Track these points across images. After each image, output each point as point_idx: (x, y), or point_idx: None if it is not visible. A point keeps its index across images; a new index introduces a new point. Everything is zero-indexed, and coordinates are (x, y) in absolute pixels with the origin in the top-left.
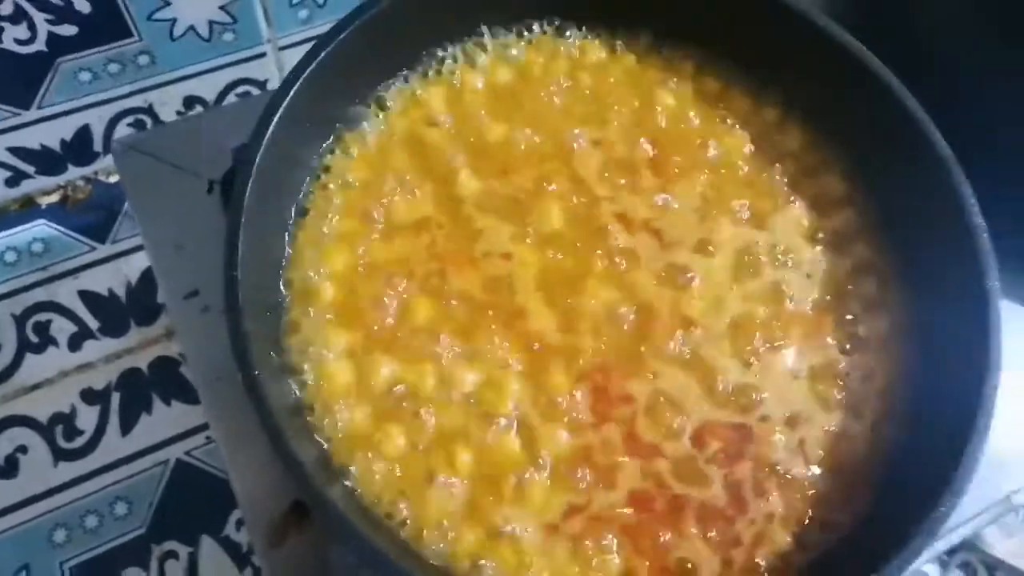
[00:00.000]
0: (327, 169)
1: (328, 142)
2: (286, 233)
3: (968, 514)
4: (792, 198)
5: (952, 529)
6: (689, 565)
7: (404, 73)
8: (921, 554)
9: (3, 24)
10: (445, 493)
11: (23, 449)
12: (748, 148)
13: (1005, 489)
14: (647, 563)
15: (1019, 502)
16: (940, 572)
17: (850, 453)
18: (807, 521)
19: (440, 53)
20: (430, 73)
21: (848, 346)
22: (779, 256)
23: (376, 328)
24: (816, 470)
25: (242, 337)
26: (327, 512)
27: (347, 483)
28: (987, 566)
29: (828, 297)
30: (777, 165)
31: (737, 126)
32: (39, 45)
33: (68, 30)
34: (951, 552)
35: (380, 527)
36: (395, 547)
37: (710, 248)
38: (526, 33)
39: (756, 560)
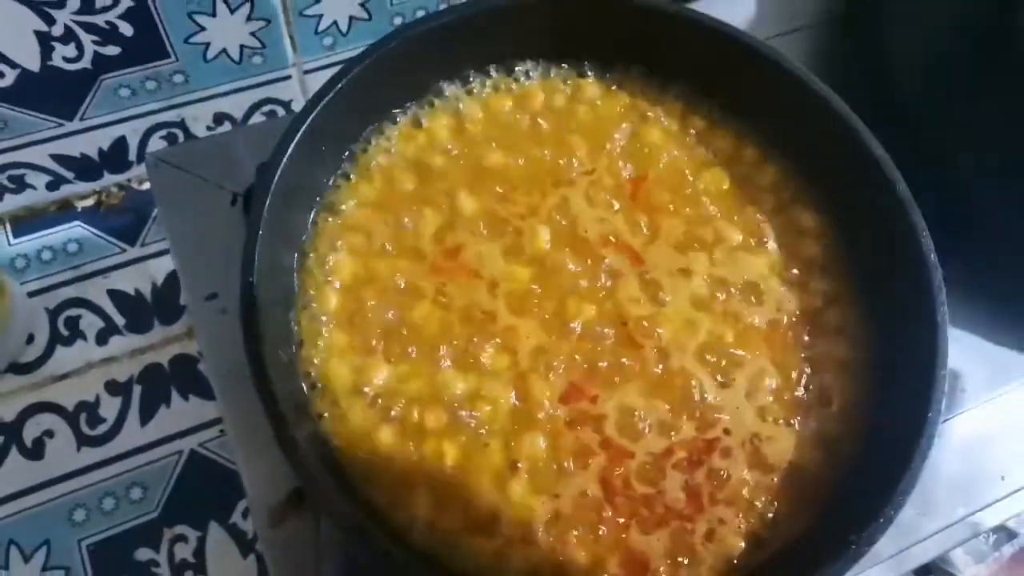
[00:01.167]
0: (339, 188)
1: (342, 164)
2: (299, 245)
3: (927, 532)
4: (765, 232)
5: (912, 546)
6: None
7: (413, 103)
8: (860, 559)
9: (54, 44)
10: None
11: (49, 434)
12: (727, 184)
13: (962, 511)
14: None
15: (987, 526)
16: None
17: (804, 468)
18: (758, 529)
19: (447, 85)
20: (437, 103)
21: (808, 369)
22: (750, 284)
23: (377, 334)
24: (770, 481)
25: (254, 338)
26: (320, 496)
27: (345, 473)
28: None
29: (792, 323)
30: (754, 200)
31: (718, 163)
32: (85, 63)
33: (112, 50)
34: (920, 573)
35: (377, 517)
36: (390, 535)
37: (687, 272)
38: (526, 69)
39: (707, 559)
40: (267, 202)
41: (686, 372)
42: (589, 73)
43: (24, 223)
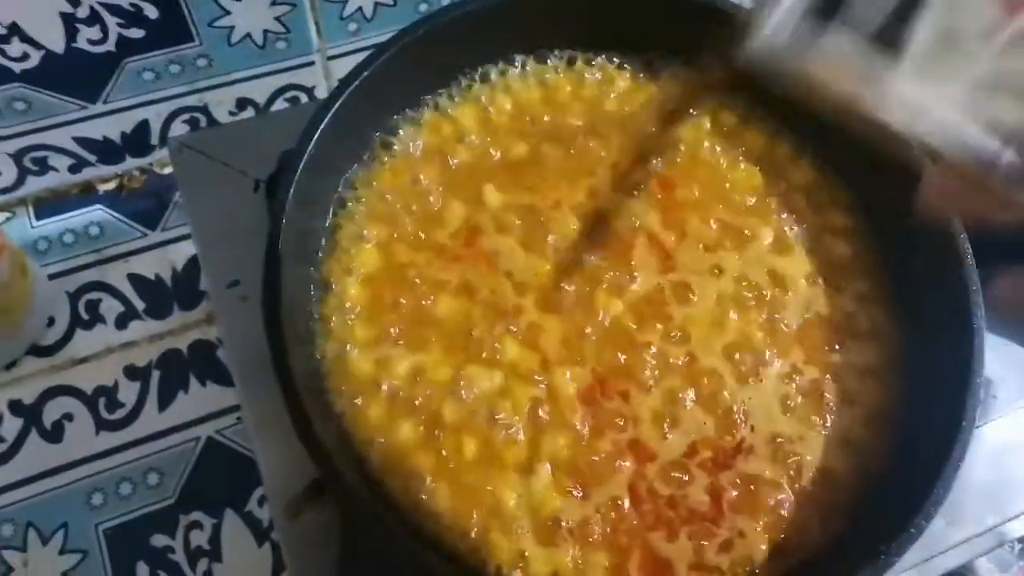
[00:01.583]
0: (363, 177)
1: (366, 152)
2: (323, 234)
3: (954, 541)
4: (796, 231)
5: (938, 554)
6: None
7: (438, 92)
8: (888, 570)
9: (79, 26)
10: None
11: (69, 417)
12: (758, 181)
13: (991, 521)
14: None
15: (1013, 535)
16: None
17: (831, 474)
18: (783, 535)
19: (473, 74)
20: (462, 93)
21: (837, 374)
22: (780, 285)
23: (399, 326)
24: (797, 487)
25: (276, 326)
26: (340, 488)
27: (364, 465)
28: None
29: (822, 325)
30: (785, 199)
31: (750, 160)
32: (109, 46)
33: (136, 33)
34: None
35: (395, 509)
36: (407, 526)
37: (717, 271)
38: (554, 60)
39: (725, 567)
40: (292, 189)
41: (715, 371)
42: (620, 64)
43: (47, 206)
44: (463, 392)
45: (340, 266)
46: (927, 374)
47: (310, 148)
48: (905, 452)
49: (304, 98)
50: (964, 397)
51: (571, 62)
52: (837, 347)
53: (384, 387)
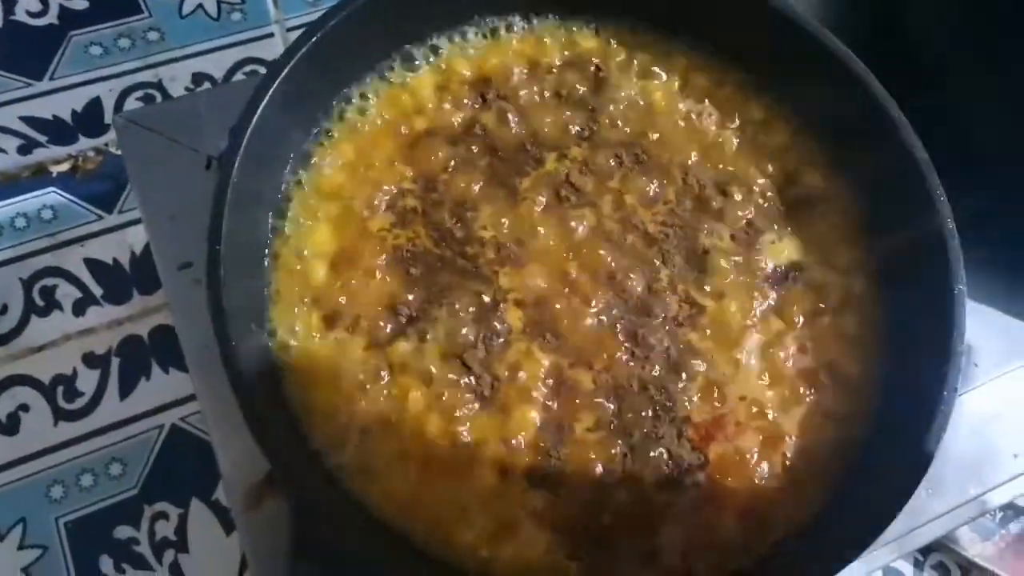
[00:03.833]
0: (317, 150)
1: (320, 123)
2: (273, 211)
3: (936, 512)
4: (772, 197)
5: (921, 526)
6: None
7: (394, 59)
8: (868, 547)
9: None
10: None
11: (25, 408)
12: (733, 145)
13: (973, 491)
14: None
15: (994, 504)
16: (914, 571)
17: (815, 449)
18: (762, 508)
19: (431, 40)
20: (420, 59)
21: (817, 344)
22: (757, 252)
23: (351, 307)
24: (781, 463)
25: (221, 310)
26: (288, 476)
27: (315, 451)
28: (961, 568)
29: (803, 293)
30: (762, 161)
31: (724, 123)
32: (51, 18)
33: (79, 4)
34: (926, 552)
35: (347, 498)
36: (359, 514)
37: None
38: (514, 25)
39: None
40: (236, 165)
41: (694, 345)
42: (578, 26)
43: None
44: (428, 375)
45: (293, 244)
46: (908, 343)
47: (255, 120)
48: (887, 425)
49: (264, 72)
50: (945, 367)
51: (529, 24)
52: (817, 315)
53: (341, 370)
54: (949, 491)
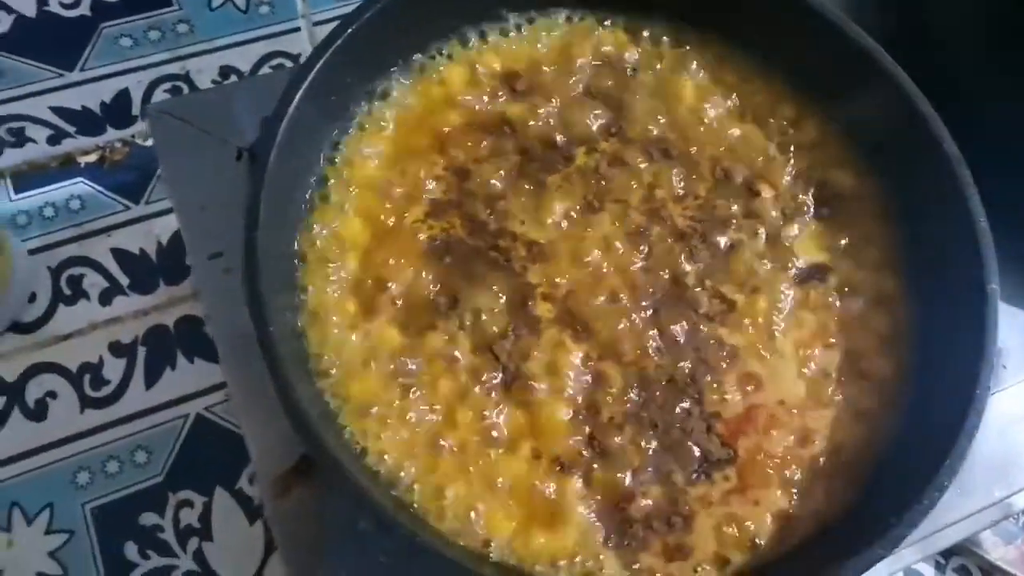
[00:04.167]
0: (349, 142)
1: (351, 117)
2: (307, 201)
3: (961, 514)
4: (802, 193)
5: (946, 527)
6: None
7: (427, 51)
8: (899, 544)
9: None
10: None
11: (52, 395)
12: (763, 143)
13: (998, 493)
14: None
15: (1018, 507)
16: (935, 574)
17: (844, 446)
18: (791, 506)
19: (462, 33)
20: (453, 52)
21: (851, 343)
22: (787, 251)
23: (387, 298)
24: (806, 457)
25: (258, 296)
26: (325, 460)
27: (349, 440)
28: (983, 572)
29: (832, 290)
30: (791, 160)
31: (754, 120)
32: (83, 10)
33: None
34: (947, 554)
35: (379, 485)
36: (391, 502)
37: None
38: (544, 19)
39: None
40: (271, 156)
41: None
42: (609, 22)
43: (26, 179)
44: (457, 364)
45: (326, 234)
46: (940, 343)
47: (290, 111)
48: (918, 424)
49: (290, 66)
50: (978, 367)
51: (567, 20)
52: (847, 313)
53: (374, 361)
54: (974, 493)
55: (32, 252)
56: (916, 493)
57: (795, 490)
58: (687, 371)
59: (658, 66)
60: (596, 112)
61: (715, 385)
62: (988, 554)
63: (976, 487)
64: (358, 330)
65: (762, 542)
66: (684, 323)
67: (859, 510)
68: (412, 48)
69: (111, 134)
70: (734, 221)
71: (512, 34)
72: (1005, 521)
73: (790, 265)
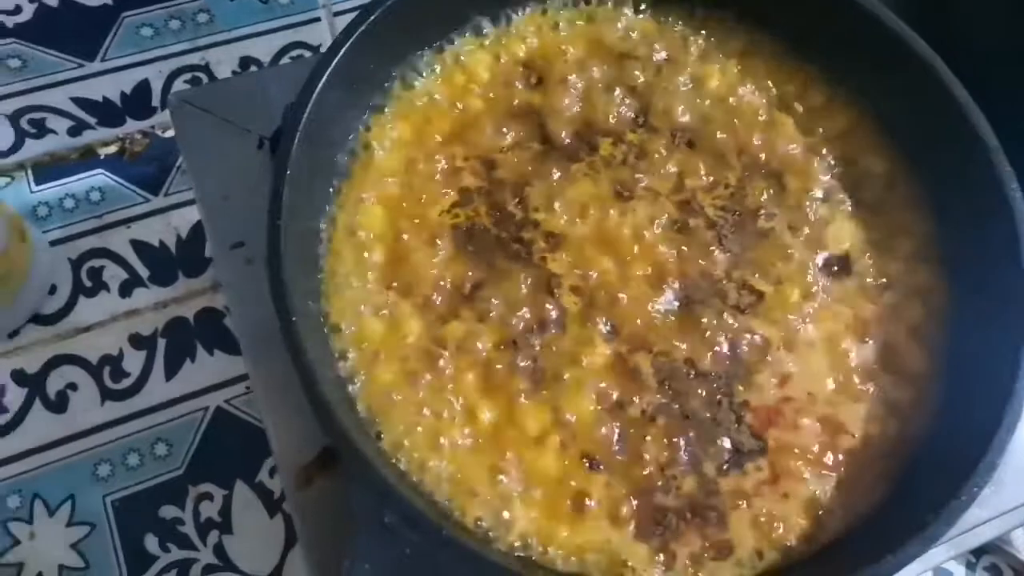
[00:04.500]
0: (372, 129)
1: (373, 105)
2: (330, 189)
3: (996, 511)
4: (837, 185)
5: (978, 525)
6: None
7: (451, 39)
8: (936, 541)
9: None
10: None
11: (73, 387)
12: (792, 131)
13: None
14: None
15: None
16: (966, 573)
17: (877, 441)
18: (826, 504)
19: (486, 20)
20: (475, 40)
21: (883, 335)
22: (821, 241)
23: (411, 285)
24: (842, 452)
25: (281, 283)
26: (351, 453)
27: (374, 432)
28: (1014, 571)
29: (868, 283)
30: (823, 150)
31: (783, 108)
32: None
33: None
34: (978, 553)
35: (404, 477)
36: (416, 495)
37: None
38: (570, 6)
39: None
40: (295, 143)
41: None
42: (640, 8)
43: (46, 170)
44: (481, 355)
45: (349, 223)
46: (976, 335)
47: (314, 98)
48: (952, 417)
49: (309, 56)
50: (1018, 358)
51: (589, 8)
52: (883, 305)
53: (398, 351)
54: (1008, 491)
55: (53, 244)
56: (953, 489)
57: (827, 485)
58: (717, 362)
59: (685, 54)
60: (622, 101)
61: (745, 376)
62: (1020, 553)
63: (1009, 485)
64: (382, 320)
65: (793, 538)
66: (713, 314)
67: (893, 507)
68: (435, 35)
69: (131, 125)
70: (763, 211)
71: (537, 22)
72: None
73: (821, 255)
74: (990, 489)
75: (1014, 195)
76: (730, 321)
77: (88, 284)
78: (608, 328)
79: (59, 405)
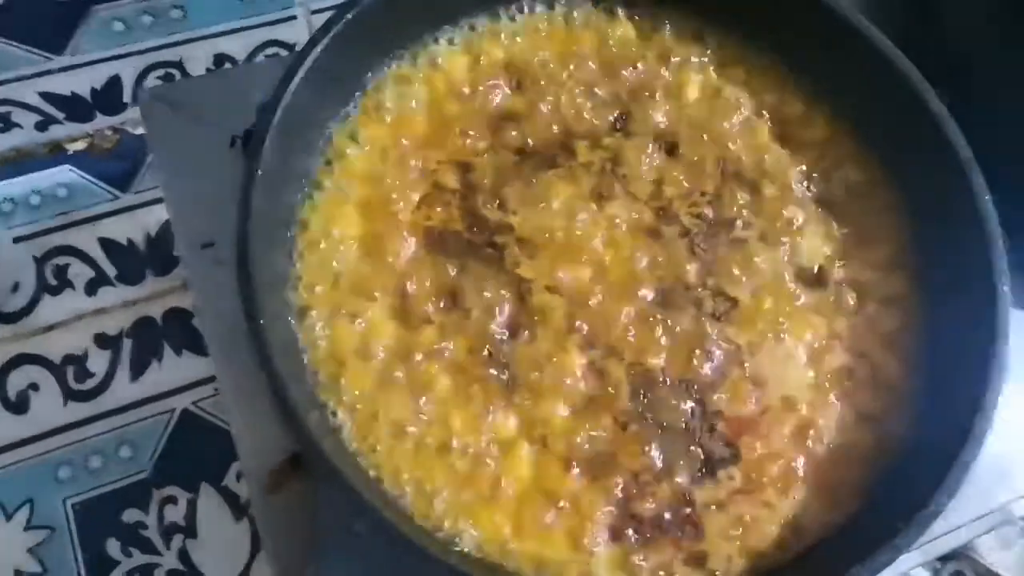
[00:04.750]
0: (345, 131)
1: (348, 105)
2: (302, 191)
3: (963, 519)
4: (810, 191)
5: (946, 533)
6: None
7: (429, 40)
8: (905, 550)
9: None
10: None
11: (35, 387)
12: (767, 139)
13: (1002, 498)
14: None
15: (1019, 513)
16: None
17: (850, 449)
18: (796, 511)
19: (465, 23)
20: (453, 41)
21: (855, 340)
22: (795, 247)
23: (384, 289)
24: (815, 461)
25: (250, 286)
26: (319, 460)
27: (342, 438)
28: None
29: (841, 290)
30: (799, 157)
31: (761, 116)
32: None
33: None
34: (944, 559)
35: (372, 484)
36: (385, 503)
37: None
38: (549, 10)
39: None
40: (267, 142)
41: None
42: (619, 13)
43: (12, 165)
44: (449, 357)
45: (321, 224)
46: (949, 344)
47: (288, 97)
48: (924, 425)
49: (286, 55)
50: (989, 368)
51: (570, 9)
52: (855, 313)
53: (369, 355)
54: (975, 498)
55: (16, 240)
56: (924, 498)
57: (800, 493)
58: (691, 370)
59: (665, 62)
60: (600, 106)
61: (719, 385)
62: (984, 559)
63: (978, 492)
64: (353, 323)
65: (766, 546)
66: (688, 321)
67: (865, 514)
68: (413, 36)
69: (101, 121)
70: (740, 219)
71: (517, 24)
72: (1005, 527)
73: (796, 264)
74: (957, 496)
75: (986, 205)
76: (705, 328)
77: (53, 282)
78: (581, 335)
79: (19, 406)
